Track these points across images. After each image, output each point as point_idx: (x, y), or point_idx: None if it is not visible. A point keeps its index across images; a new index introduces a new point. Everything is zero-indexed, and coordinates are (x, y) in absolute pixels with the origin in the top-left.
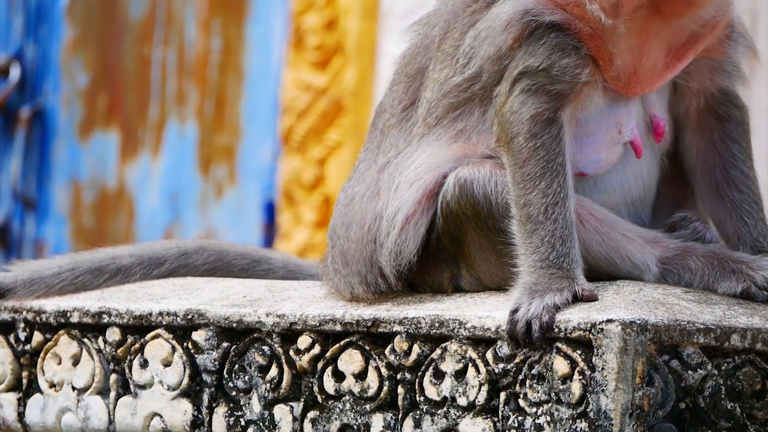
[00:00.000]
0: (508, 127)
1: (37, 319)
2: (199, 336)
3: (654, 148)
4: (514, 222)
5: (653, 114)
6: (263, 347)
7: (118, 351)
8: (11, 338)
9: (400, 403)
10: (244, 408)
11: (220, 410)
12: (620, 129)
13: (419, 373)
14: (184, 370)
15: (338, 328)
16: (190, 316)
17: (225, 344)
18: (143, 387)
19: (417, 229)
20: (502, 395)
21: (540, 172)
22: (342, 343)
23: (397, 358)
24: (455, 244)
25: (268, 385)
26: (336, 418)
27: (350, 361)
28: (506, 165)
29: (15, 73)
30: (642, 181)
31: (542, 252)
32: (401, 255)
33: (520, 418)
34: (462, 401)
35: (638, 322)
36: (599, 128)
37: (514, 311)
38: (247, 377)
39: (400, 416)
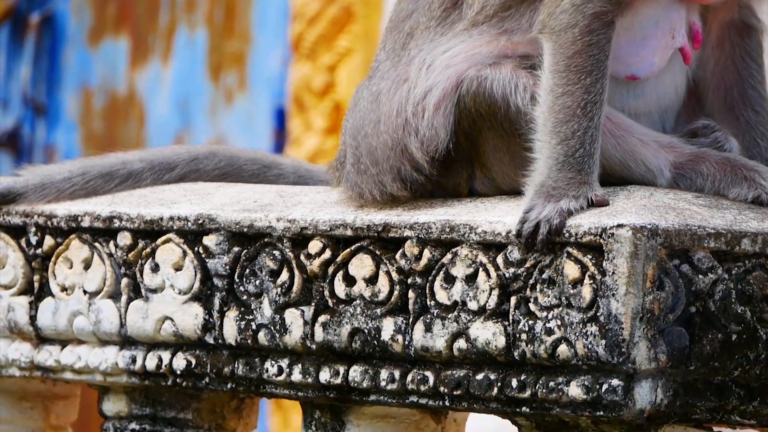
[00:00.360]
0: (564, 17)
1: (48, 223)
2: (210, 241)
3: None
4: (541, 111)
5: (692, 21)
6: (274, 252)
7: (129, 255)
8: (22, 242)
9: (410, 307)
10: (255, 312)
11: (231, 314)
12: (673, 34)
13: (430, 278)
14: (195, 275)
15: (349, 233)
16: (200, 221)
17: (236, 249)
18: (154, 291)
19: (447, 116)
20: (513, 300)
21: (589, 68)
22: (353, 247)
23: (408, 262)
24: (469, 141)
25: (279, 289)
26: (347, 322)
27: (361, 265)
28: (548, 53)
29: None
30: (675, 89)
31: (570, 145)
32: (433, 142)
33: (530, 322)
34: (472, 305)
35: (649, 226)
36: (656, 33)
37: (527, 211)
38: (258, 281)
39: (410, 320)
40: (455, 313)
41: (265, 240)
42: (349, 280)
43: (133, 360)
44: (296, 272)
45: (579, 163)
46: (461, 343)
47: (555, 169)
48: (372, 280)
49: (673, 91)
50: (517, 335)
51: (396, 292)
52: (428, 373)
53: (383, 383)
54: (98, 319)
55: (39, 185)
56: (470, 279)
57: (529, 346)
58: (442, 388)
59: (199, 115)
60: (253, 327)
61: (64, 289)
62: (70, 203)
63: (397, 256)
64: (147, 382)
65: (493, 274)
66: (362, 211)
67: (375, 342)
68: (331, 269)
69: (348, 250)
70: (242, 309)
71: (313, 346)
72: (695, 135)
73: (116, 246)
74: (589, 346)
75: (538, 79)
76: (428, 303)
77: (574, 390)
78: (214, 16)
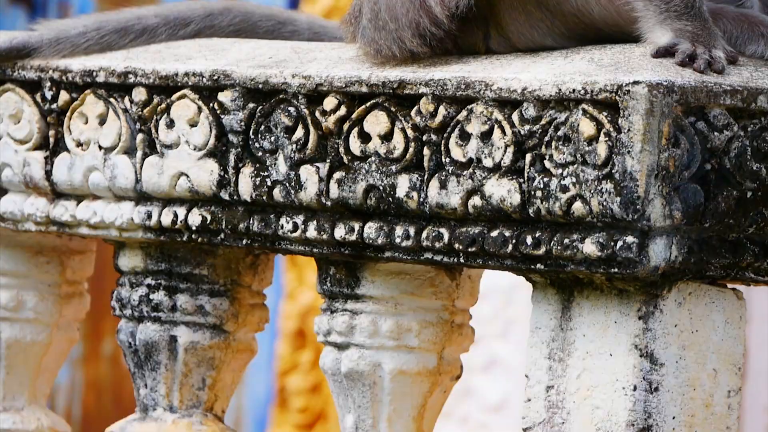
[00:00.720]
0: None
1: (64, 78)
2: (225, 97)
3: None
4: None
5: None
6: (289, 108)
7: (144, 111)
8: (38, 97)
9: (425, 164)
10: (270, 168)
11: (246, 170)
12: None
13: (445, 135)
14: (210, 131)
15: (364, 89)
16: (216, 77)
17: (251, 105)
18: (169, 147)
19: None
20: (528, 157)
21: None
22: (368, 104)
23: (423, 119)
24: (485, 0)
25: (294, 146)
26: (362, 179)
27: (376, 122)
28: None
29: None
30: None
31: None
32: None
33: (545, 179)
34: (488, 163)
35: (665, 83)
36: None
37: (673, 45)
38: (273, 138)
39: (425, 177)
40: (470, 170)
41: (280, 96)
42: (364, 137)
43: (149, 216)
44: (311, 129)
45: (703, 12)
46: (476, 200)
47: (685, 18)
48: (387, 137)
49: None
50: (532, 192)
51: (411, 149)
52: (443, 230)
53: (398, 240)
54: (113, 175)
55: (54, 40)
56: (485, 136)
57: (543, 203)
58: (456, 245)
59: None
60: (268, 183)
61: (79, 144)
62: (85, 58)
63: (413, 113)
64: (162, 238)
65: (508, 131)
66: (378, 67)
67: (390, 199)
68: (346, 126)
69: (363, 106)
70: (257, 165)
71: (328, 203)
72: None
73: (131, 102)
74: (604, 204)
75: None
76: (443, 160)
77: (589, 247)
78: None
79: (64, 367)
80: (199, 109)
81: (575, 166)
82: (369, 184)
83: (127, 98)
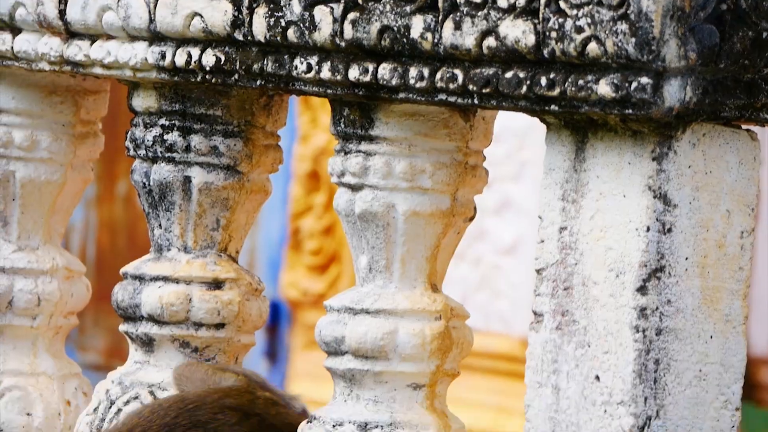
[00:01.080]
0: None
1: None
2: None
3: None
4: None
5: None
6: None
7: None
8: None
9: (440, 5)
10: (284, 9)
11: (261, 11)
12: None
13: None
14: None
15: None
16: None
17: None
18: None
19: None
20: None
21: None
22: None
23: None
24: None
25: None
26: (376, 20)
27: None
28: None
29: None
30: None
31: None
32: None
33: (560, 20)
34: (502, 3)
35: None
36: None
37: None
38: None
39: (440, 18)
40: (485, 11)
41: None
42: None
43: (163, 56)
44: None
45: None
46: (490, 41)
47: None
48: None
49: None
50: (547, 33)
51: None
52: (457, 71)
53: (412, 81)
54: (127, 15)
55: None
56: None
57: (558, 44)
58: (470, 86)
59: None
60: (283, 24)
61: None
62: None
63: None
64: (176, 78)
65: None
66: None
67: (404, 40)
68: None
69: None
70: (271, 5)
71: (342, 44)
72: None
73: None
74: (619, 44)
75: None
76: (458, 1)
77: (603, 88)
78: None
79: (78, 208)
80: None
81: (590, 6)
82: (383, 25)
83: None
